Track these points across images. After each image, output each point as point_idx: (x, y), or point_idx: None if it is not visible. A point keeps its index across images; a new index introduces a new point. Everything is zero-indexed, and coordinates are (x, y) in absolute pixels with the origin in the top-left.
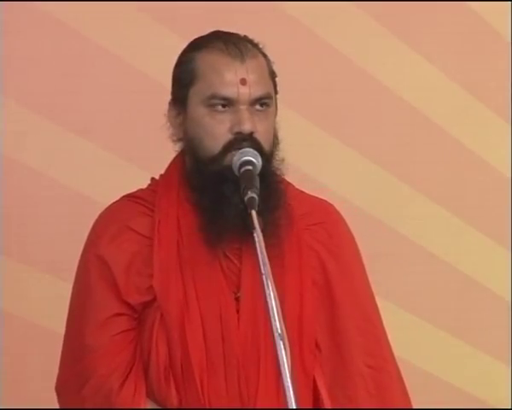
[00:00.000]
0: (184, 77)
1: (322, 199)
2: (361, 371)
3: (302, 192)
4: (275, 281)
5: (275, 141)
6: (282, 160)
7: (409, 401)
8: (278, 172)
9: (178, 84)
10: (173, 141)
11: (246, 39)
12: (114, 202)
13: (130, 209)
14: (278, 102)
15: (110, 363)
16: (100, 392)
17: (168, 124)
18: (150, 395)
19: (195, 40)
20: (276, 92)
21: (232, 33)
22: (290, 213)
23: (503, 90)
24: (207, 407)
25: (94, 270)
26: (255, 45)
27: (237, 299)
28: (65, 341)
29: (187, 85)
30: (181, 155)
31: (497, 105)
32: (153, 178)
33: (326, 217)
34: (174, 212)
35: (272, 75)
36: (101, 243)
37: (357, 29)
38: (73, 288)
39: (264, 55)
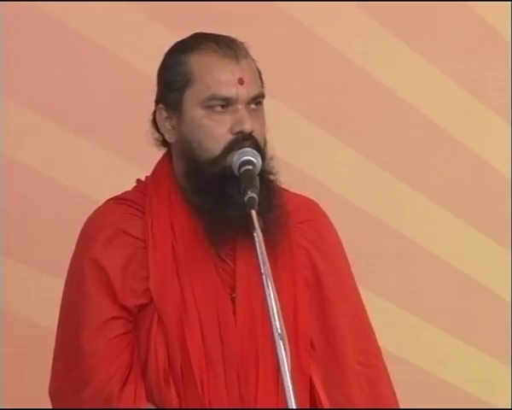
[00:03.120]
0: (177, 80)
1: (306, 197)
2: (354, 369)
3: (285, 190)
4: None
5: (265, 140)
6: (271, 158)
7: (395, 395)
8: (273, 171)
9: (170, 87)
10: (157, 145)
11: (233, 39)
12: (101, 206)
13: (120, 212)
14: (278, 101)
15: (109, 367)
16: (100, 396)
17: (153, 128)
18: (149, 397)
19: (182, 43)
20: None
21: (216, 34)
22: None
23: (503, 90)
24: (208, 408)
25: (89, 274)
26: (242, 44)
27: (233, 300)
28: (58, 346)
29: (181, 88)
30: (168, 158)
31: (497, 105)
32: (138, 180)
33: (313, 215)
34: (166, 214)
35: (260, 75)
36: (95, 246)
37: (357, 29)
38: (66, 293)
39: (250, 55)
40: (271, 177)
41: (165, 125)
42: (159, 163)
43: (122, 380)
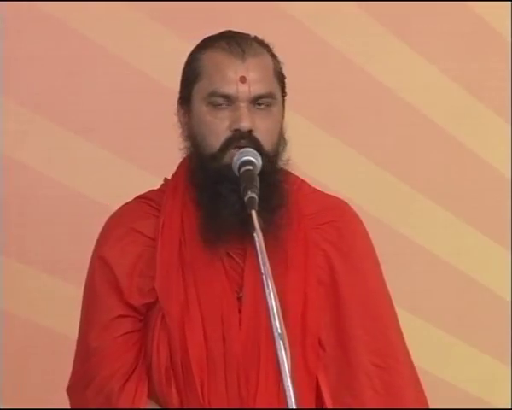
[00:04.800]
0: (189, 75)
1: (336, 197)
2: (367, 370)
3: (316, 191)
4: (278, 281)
5: (281, 141)
6: (288, 160)
7: (423, 401)
8: (282, 172)
9: (184, 82)
10: (183, 140)
11: (255, 39)
12: (126, 203)
13: (137, 211)
14: None
15: (113, 364)
16: (101, 393)
17: (178, 123)
18: (153, 395)
19: (203, 40)
20: (283, 94)
21: (240, 33)
22: (298, 213)
23: (503, 90)
24: (207, 408)
25: (98, 272)
26: (265, 46)
27: (240, 299)
28: (76, 343)
29: (191, 83)
30: (189, 155)
31: (497, 105)
32: (166, 179)
33: (338, 216)
34: (179, 212)
35: (279, 76)
36: (105, 245)
37: (357, 29)
38: (83, 291)
39: (274, 56)
40: (277, 177)
41: (182, 120)
42: (181, 161)
43: (124, 378)
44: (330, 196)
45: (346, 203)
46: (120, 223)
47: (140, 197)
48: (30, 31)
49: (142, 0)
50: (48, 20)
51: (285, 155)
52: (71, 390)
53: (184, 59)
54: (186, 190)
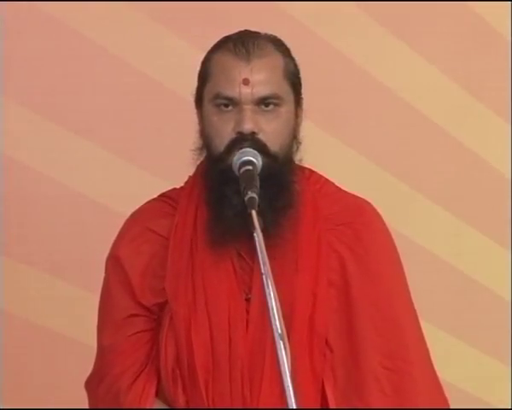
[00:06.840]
0: (201, 76)
1: (359, 198)
2: (375, 372)
3: (339, 191)
4: (287, 281)
5: (295, 142)
6: (300, 160)
7: (440, 404)
8: (295, 172)
9: (198, 82)
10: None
11: (269, 39)
12: (147, 202)
13: (155, 210)
14: None
15: (123, 363)
16: (111, 391)
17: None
18: (161, 395)
19: (219, 40)
20: (297, 94)
21: (252, 33)
22: (314, 213)
23: (503, 90)
24: (211, 408)
25: (112, 272)
26: (280, 46)
27: (248, 300)
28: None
29: (203, 84)
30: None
31: (497, 105)
32: (189, 177)
33: (356, 217)
34: (193, 212)
35: (290, 76)
36: (120, 244)
37: (357, 29)
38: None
39: (288, 57)
40: (285, 178)
41: (198, 120)
42: (202, 160)
43: (134, 376)
44: (354, 196)
45: (368, 204)
46: (136, 222)
47: (161, 196)
48: (30, 31)
49: (142, 0)
50: (48, 20)
51: (298, 156)
52: (87, 385)
53: (185, 59)
54: (201, 189)
